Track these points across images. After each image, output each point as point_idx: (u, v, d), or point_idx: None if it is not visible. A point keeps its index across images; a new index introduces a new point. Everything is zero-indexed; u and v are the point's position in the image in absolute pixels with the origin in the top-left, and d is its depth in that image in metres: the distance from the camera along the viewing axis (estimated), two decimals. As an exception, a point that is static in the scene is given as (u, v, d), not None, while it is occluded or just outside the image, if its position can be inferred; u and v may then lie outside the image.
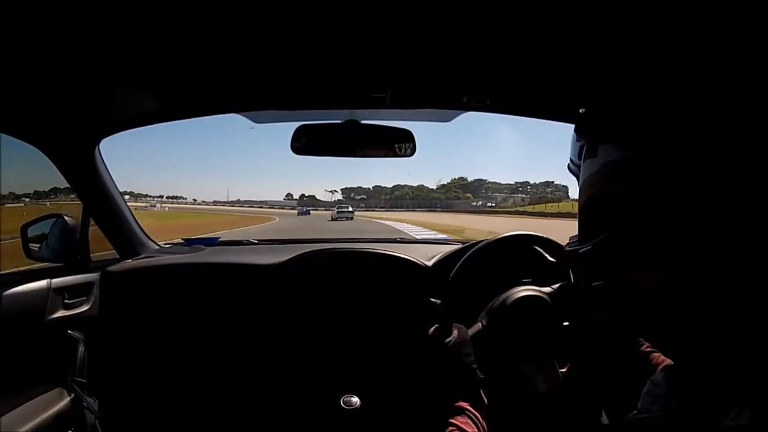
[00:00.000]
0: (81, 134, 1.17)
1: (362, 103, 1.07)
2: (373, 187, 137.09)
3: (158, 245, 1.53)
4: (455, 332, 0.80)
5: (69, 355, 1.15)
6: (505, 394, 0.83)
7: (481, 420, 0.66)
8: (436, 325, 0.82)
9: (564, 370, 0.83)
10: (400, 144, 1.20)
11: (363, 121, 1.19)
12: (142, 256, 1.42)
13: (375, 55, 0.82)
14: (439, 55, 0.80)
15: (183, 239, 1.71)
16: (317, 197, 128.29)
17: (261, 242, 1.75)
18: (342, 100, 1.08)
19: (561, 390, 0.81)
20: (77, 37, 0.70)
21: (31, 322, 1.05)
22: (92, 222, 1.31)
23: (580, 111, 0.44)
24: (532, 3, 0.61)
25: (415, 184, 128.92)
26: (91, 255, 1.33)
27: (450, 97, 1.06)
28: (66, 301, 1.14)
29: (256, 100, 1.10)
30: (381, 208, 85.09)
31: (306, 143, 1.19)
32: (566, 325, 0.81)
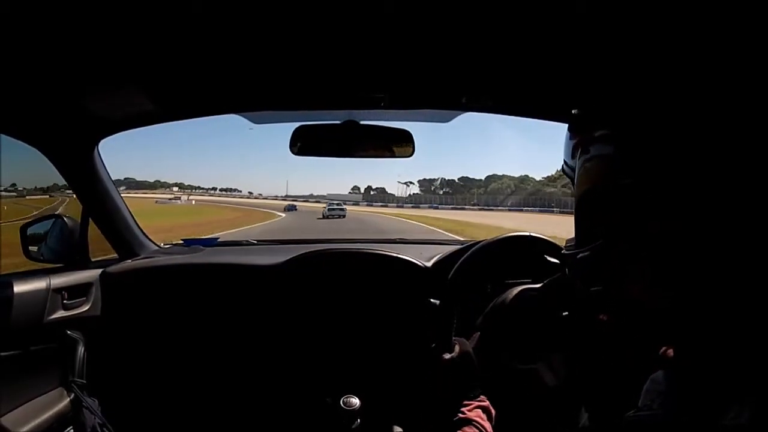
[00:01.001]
0: (80, 135, 1.17)
1: (361, 103, 1.07)
2: (459, 179, 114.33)
3: (157, 246, 1.54)
4: (456, 347, 0.80)
5: (68, 355, 1.15)
6: (512, 394, 0.82)
7: (489, 429, 0.66)
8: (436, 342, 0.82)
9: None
10: (398, 144, 1.20)
11: (362, 122, 1.20)
12: (142, 256, 1.42)
13: (373, 55, 0.82)
14: (437, 56, 0.81)
15: (182, 240, 1.71)
16: (387, 190, 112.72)
17: (260, 242, 1.75)
18: (341, 100, 1.08)
19: (568, 384, 0.80)
20: (76, 38, 0.70)
21: (31, 322, 1.05)
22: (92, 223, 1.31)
23: (573, 112, 0.44)
24: (530, 4, 0.61)
25: (516, 175, 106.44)
26: (93, 259, 1.33)
27: (448, 97, 1.06)
28: (65, 301, 1.14)
29: (255, 101, 1.10)
30: (474, 205, 67.32)
31: (305, 144, 1.19)
32: (566, 315, 0.80)
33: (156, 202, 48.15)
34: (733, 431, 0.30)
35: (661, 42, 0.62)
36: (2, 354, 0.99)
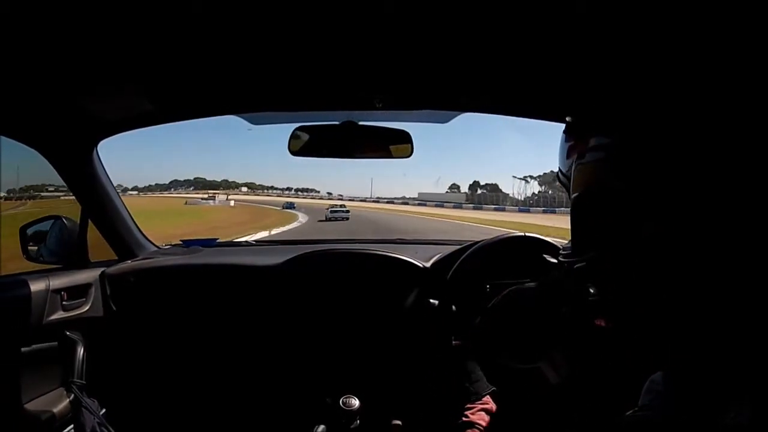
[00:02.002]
0: (79, 136, 1.18)
1: (359, 104, 1.08)
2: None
3: (156, 246, 1.54)
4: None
5: (67, 356, 1.15)
6: (513, 394, 0.82)
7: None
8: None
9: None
10: (397, 145, 1.21)
11: (360, 122, 1.20)
12: (141, 257, 1.42)
13: (372, 56, 0.82)
14: (435, 57, 0.81)
15: (181, 240, 1.71)
16: (501, 187, 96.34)
17: (259, 243, 1.75)
18: (339, 101, 1.09)
19: (571, 382, 0.80)
20: (75, 38, 0.70)
21: (30, 323, 1.05)
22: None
23: (567, 119, 0.44)
24: (528, 4, 0.62)
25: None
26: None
27: (446, 98, 1.06)
28: (64, 302, 1.14)
29: (254, 102, 1.10)
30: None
31: (303, 144, 1.19)
32: (564, 313, 0.80)
33: (186, 203, 43.65)
34: (732, 431, 0.30)
35: (660, 43, 0.62)
36: (2, 354, 0.99)
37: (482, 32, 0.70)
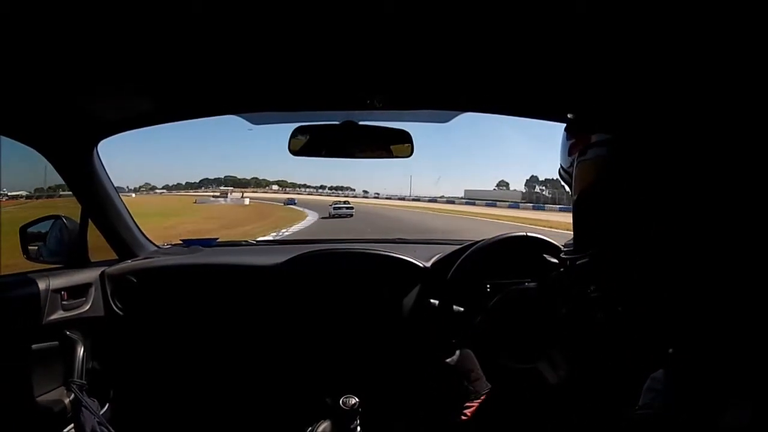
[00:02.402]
0: (79, 136, 1.18)
1: (359, 104, 1.08)
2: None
3: (156, 246, 1.54)
4: (458, 352, 0.80)
5: (67, 355, 1.15)
6: (512, 394, 0.82)
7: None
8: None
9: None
10: (397, 145, 1.21)
11: (360, 122, 1.20)
12: (141, 257, 1.42)
13: (372, 56, 0.82)
14: (435, 57, 0.81)
15: (181, 240, 1.71)
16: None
17: (259, 243, 1.75)
18: (339, 101, 1.09)
19: (570, 382, 0.80)
20: (76, 38, 0.70)
21: (30, 322, 1.05)
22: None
23: (569, 116, 0.44)
24: (528, 4, 0.62)
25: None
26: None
27: (446, 98, 1.06)
28: (64, 302, 1.14)
29: (254, 102, 1.10)
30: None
31: (303, 144, 1.19)
32: (564, 313, 0.80)
33: (195, 202, 40.72)
34: (732, 431, 0.30)
35: (660, 44, 0.62)
36: (2, 354, 0.99)
37: (482, 31, 0.70)
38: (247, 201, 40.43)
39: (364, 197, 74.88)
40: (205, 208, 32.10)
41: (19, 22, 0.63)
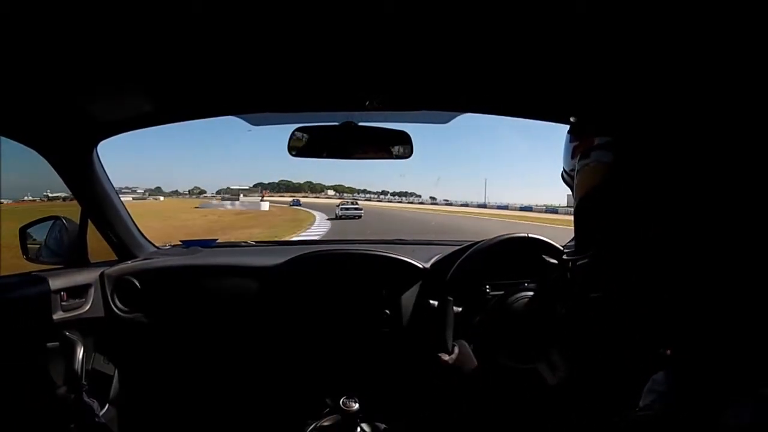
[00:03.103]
0: (79, 136, 1.18)
1: (359, 105, 1.08)
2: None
3: (156, 247, 1.54)
4: (456, 349, 0.80)
5: (67, 356, 1.15)
6: (512, 394, 0.82)
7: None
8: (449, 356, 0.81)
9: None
10: (397, 145, 1.21)
11: (360, 123, 1.20)
12: (140, 258, 1.42)
13: (371, 57, 0.82)
14: (435, 58, 0.81)
15: (181, 241, 1.71)
16: None
17: (259, 244, 1.75)
18: (339, 102, 1.09)
19: (570, 383, 0.80)
20: (75, 38, 0.70)
21: (30, 323, 1.05)
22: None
23: (571, 119, 0.44)
24: (528, 5, 0.62)
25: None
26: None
27: (446, 99, 1.06)
28: (64, 302, 1.14)
29: (254, 103, 1.10)
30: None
31: (303, 145, 1.19)
32: (564, 314, 0.80)
33: (198, 207, 37.35)
34: (733, 431, 0.30)
35: (660, 45, 0.62)
36: (2, 355, 0.99)
37: (482, 32, 0.70)
38: (266, 206, 35.04)
39: (431, 204, 70.32)
40: (201, 213, 30.09)
41: (19, 22, 0.63)
